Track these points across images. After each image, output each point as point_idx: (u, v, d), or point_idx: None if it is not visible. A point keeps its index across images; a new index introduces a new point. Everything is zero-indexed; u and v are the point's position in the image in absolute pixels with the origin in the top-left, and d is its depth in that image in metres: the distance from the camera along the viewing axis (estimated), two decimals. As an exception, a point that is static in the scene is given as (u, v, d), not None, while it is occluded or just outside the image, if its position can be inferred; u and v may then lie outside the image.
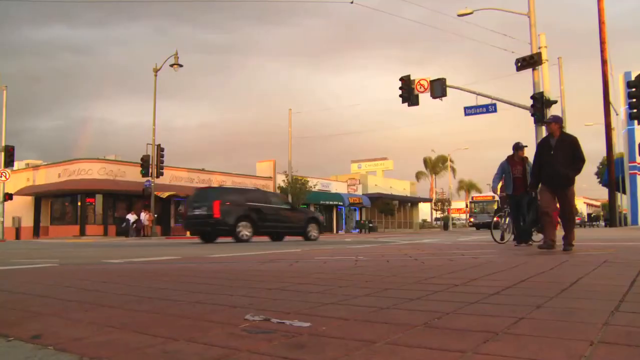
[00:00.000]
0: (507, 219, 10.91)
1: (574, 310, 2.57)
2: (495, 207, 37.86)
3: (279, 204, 20.74)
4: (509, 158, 10.47)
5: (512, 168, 10.28)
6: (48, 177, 39.36)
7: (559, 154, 7.57)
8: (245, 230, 18.01)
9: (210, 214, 17.77)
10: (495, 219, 11.85)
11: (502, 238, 10.91)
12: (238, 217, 17.98)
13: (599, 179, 55.33)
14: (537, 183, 8.04)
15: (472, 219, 53.29)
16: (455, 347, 1.86)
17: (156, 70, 34.12)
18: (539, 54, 24.62)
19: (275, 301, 3.04)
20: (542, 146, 7.97)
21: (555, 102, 25.93)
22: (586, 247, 8.54)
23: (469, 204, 58.86)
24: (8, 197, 34.60)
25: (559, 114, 35.07)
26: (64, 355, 1.89)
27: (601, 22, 29.00)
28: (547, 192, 7.77)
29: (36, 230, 40.44)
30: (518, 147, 10.48)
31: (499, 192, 10.71)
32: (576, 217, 10.93)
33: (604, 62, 30.16)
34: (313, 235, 20.72)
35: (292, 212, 20.82)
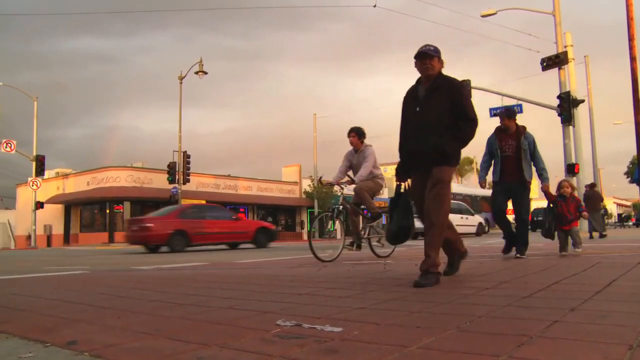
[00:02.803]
0: (336, 220, 7.78)
1: (609, 313, 2.52)
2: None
3: None
4: (498, 130, 7.43)
5: (501, 143, 7.23)
6: (77, 185, 39.99)
7: (428, 112, 4.35)
8: None
9: None
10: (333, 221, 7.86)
11: (357, 246, 8.00)
12: None
13: (629, 178, 54.29)
14: (405, 166, 4.69)
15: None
16: (489, 351, 1.84)
17: (181, 78, 34.47)
18: (565, 53, 24.31)
19: (305, 306, 3.04)
20: (407, 101, 4.61)
21: (583, 101, 25.58)
22: (619, 248, 8.38)
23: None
24: (39, 205, 35.23)
25: (586, 113, 34.63)
26: (99, 361, 1.92)
27: (630, 18, 28.52)
28: (415, 182, 4.61)
29: (66, 238, 41.11)
30: (507, 114, 7.41)
31: (487, 185, 7.89)
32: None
33: (632, 59, 29.62)
34: None
35: None
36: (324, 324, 2.37)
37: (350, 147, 8.22)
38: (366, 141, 8.13)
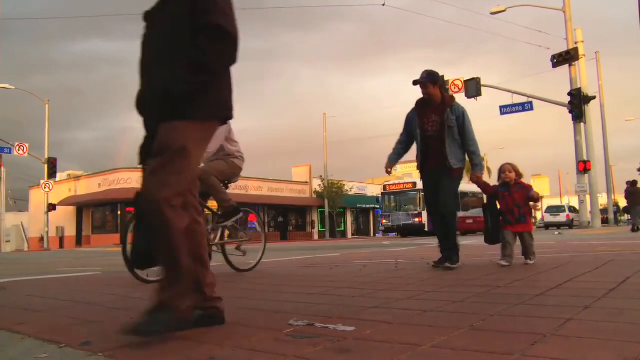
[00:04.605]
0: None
1: (624, 311, 2.50)
2: (418, 200, 29.33)
3: None
4: (420, 103, 5.64)
5: (422, 120, 5.52)
6: (89, 187, 40.24)
7: (157, 30, 2.55)
8: None
9: None
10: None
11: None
12: None
13: (642, 175, 53.78)
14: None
15: (384, 221, 33.20)
16: (502, 349, 1.83)
17: (191, 80, 34.56)
18: (576, 50, 24.22)
19: (317, 306, 3.05)
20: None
21: (594, 97, 25.48)
22: (632, 246, 8.32)
23: (380, 196, 34.05)
24: (52, 207, 35.52)
25: (597, 109, 34.38)
26: (114, 361, 1.93)
27: (640, 14, 28.34)
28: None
29: (79, 240, 41.40)
30: (430, 79, 5.43)
31: (392, 170, 5.91)
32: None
33: (644, 55, 29.36)
34: None
35: None
36: (337, 324, 2.37)
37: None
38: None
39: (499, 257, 5.28)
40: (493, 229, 5.43)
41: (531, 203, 5.50)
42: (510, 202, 5.35)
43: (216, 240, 5.80)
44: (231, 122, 3.00)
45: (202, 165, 5.40)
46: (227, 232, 6.01)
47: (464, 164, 5.51)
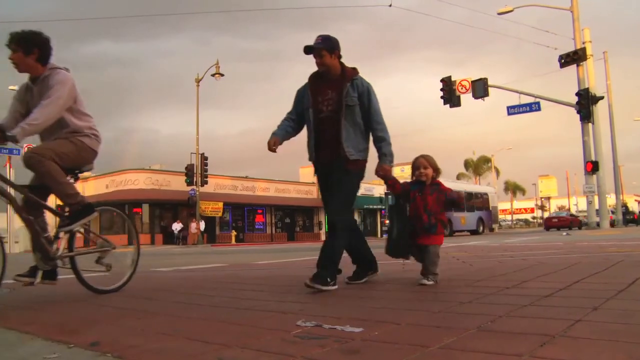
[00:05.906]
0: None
1: (633, 313, 2.49)
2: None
3: None
4: (314, 77, 4.39)
5: (316, 98, 4.28)
6: (97, 188, 40.39)
7: None
8: None
9: None
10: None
11: (47, 274, 4.05)
12: None
13: (650, 176, 53.41)
14: None
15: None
16: (511, 350, 1.82)
17: (198, 81, 34.67)
18: (583, 49, 24.15)
19: (325, 306, 3.04)
20: None
21: (602, 97, 25.40)
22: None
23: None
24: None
25: (606, 109, 34.22)
26: (122, 362, 1.94)
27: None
28: None
29: (86, 240, 41.55)
30: (327, 45, 4.19)
31: (276, 147, 4.40)
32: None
33: (652, 55, 29.22)
34: None
35: None
36: (345, 325, 2.37)
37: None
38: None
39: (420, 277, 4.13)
40: (397, 238, 4.31)
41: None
42: (421, 206, 4.12)
43: (60, 252, 4.04)
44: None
45: (34, 145, 4.03)
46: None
47: (366, 155, 4.34)
